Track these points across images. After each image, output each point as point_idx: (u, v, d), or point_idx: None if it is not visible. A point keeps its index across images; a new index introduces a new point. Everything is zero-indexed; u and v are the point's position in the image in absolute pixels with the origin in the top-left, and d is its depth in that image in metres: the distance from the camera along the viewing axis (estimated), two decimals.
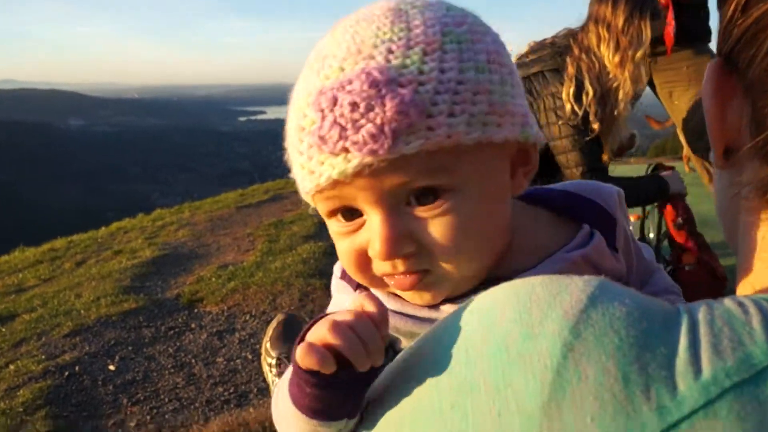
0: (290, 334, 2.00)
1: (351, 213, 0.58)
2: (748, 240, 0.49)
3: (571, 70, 2.12)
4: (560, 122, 2.16)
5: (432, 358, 0.47)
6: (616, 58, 2.09)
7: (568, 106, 2.10)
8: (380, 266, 0.58)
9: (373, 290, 0.64)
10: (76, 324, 3.10)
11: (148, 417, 2.33)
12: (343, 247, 0.60)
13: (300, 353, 0.49)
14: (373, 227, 0.56)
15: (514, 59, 2.20)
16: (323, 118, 0.53)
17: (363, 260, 0.59)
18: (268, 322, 2.86)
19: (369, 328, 0.50)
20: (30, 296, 3.91)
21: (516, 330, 0.41)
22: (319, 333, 0.50)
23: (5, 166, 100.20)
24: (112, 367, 2.72)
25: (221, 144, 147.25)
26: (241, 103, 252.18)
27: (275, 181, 12.09)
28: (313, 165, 0.55)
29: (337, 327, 0.49)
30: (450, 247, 0.56)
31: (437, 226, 0.55)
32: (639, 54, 2.09)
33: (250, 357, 2.69)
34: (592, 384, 0.37)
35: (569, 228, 0.66)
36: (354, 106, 0.52)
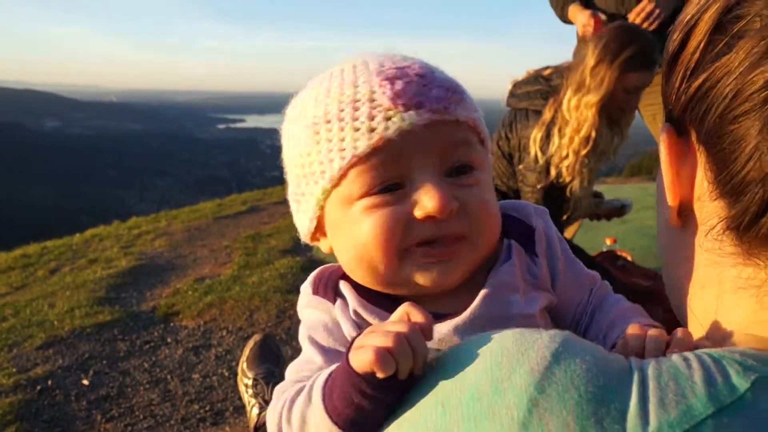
0: (266, 354, 2.00)
1: (389, 188, 0.66)
2: (710, 293, 0.54)
3: (547, 115, 2.10)
4: (522, 166, 2.17)
5: (414, 401, 0.52)
6: (574, 101, 2.05)
7: (533, 151, 2.10)
8: (424, 231, 0.65)
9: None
10: (49, 336, 3.06)
11: None
12: (378, 219, 0.65)
13: (358, 354, 0.54)
14: (427, 186, 0.64)
15: (509, 85, 2.17)
16: (393, 84, 0.65)
17: (401, 230, 0.65)
18: (245, 339, 2.86)
19: (419, 338, 0.55)
20: (1, 305, 3.84)
21: (487, 382, 0.46)
22: (375, 339, 0.55)
23: None
24: (85, 382, 2.68)
25: (199, 151, 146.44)
26: (221, 111, 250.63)
27: (253, 191, 12.05)
28: (375, 123, 0.64)
29: (394, 335, 0.54)
30: (484, 210, 0.68)
31: (473, 192, 0.68)
32: (592, 98, 2.02)
33: (226, 374, 2.68)
34: None
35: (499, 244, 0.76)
36: (421, 77, 0.67)
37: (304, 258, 4.14)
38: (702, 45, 0.49)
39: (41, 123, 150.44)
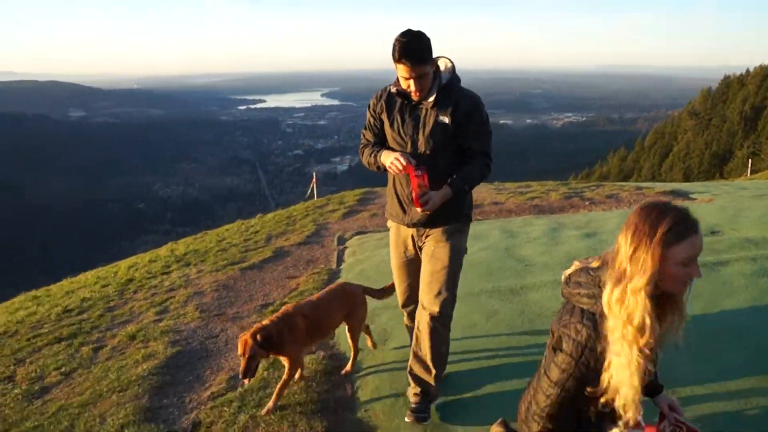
0: None
1: None
2: None
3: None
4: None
5: None
6: (616, 293, 1.93)
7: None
8: None
9: None
10: None
11: None
12: None
13: None
14: None
15: (562, 277, 2.26)
16: None
17: None
18: None
19: None
20: (56, 408, 4.22)
21: None
22: None
23: (5, 159, 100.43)
24: None
25: (222, 133, 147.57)
26: (241, 92, 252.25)
27: (277, 211, 12.35)
28: None
29: None
30: None
31: None
32: (637, 282, 1.88)
33: None
34: None
35: None
36: None
37: (328, 354, 4.48)
38: None
39: (67, 113, 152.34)
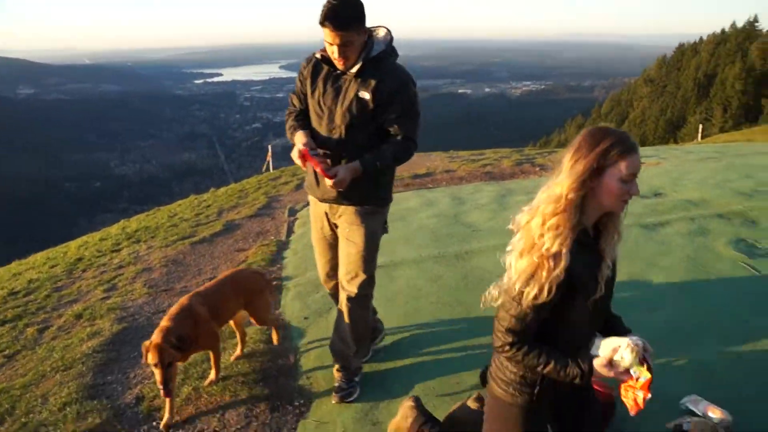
0: None
1: None
2: None
3: None
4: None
5: None
6: (543, 195, 2.05)
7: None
8: None
9: None
10: None
11: None
12: None
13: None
14: None
15: None
16: None
17: None
18: None
19: None
20: None
21: None
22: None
23: None
24: None
25: (178, 108, 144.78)
26: (197, 66, 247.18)
27: (229, 185, 12.20)
28: None
29: None
30: None
31: None
32: (563, 179, 1.97)
33: None
34: None
35: None
36: None
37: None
38: None
39: (15, 91, 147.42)
